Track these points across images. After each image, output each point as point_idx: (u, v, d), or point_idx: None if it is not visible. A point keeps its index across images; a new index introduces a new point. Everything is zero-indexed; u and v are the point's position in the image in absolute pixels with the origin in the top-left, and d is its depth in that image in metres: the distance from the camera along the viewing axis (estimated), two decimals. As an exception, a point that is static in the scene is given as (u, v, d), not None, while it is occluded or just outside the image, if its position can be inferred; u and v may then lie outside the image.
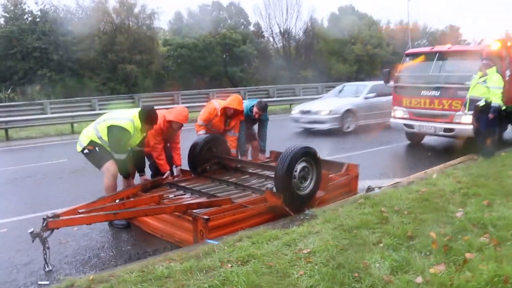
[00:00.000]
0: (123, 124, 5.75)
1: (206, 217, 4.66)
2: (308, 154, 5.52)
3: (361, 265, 3.67)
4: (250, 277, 3.48)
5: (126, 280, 3.61)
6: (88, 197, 5.77)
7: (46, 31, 30.75)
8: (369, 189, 6.36)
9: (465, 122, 9.39)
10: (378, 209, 5.19)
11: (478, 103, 8.52)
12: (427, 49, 11.23)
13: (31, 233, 4.22)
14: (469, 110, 8.85)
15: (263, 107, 7.57)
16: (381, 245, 4.13)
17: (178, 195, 5.90)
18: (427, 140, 11.88)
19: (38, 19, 32.04)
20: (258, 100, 7.92)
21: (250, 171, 6.92)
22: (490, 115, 8.37)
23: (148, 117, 5.84)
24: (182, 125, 6.68)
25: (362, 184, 6.71)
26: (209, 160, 6.88)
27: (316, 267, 3.67)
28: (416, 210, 5.16)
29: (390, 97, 11.48)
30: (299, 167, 5.38)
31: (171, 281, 3.55)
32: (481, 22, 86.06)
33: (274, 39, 45.21)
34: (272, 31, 44.30)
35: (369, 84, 15.79)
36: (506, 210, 4.98)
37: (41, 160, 10.95)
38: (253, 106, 7.55)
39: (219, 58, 39.48)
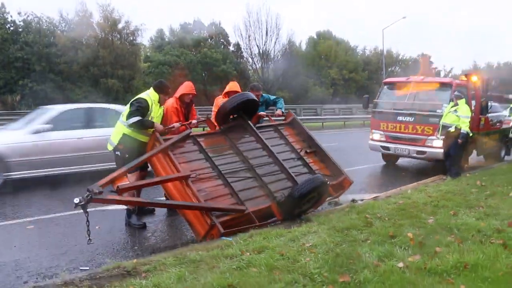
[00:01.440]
0: (140, 96, 6.42)
1: (222, 230, 5.36)
2: (322, 186, 6.21)
3: (354, 254, 4.58)
4: (268, 261, 4.36)
5: (165, 263, 4.42)
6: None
7: (29, 41, 31.07)
8: (354, 200, 7.30)
9: (436, 146, 10.56)
10: (363, 216, 6.14)
11: (449, 129, 9.67)
12: (403, 79, 12.42)
13: (77, 203, 4.74)
14: (441, 135, 10.00)
15: (253, 86, 8.06)
16: (369, 241, 5.06)
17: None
18: (401, 161, 13.03)
19: (20, 29, 32.32)
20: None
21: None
22: (459, 141, 9.55)
23: (161, 86, 6.55)
24: (192, 96, 7.04)
25: (345, 198, 7.61)
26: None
27: (319, 255, 4.56)
28: (395, 217, 6.13)
29: (96, 133, 9.29)
30: (310, 196, 6.10)
31: (203, 263, 4.39)
32: (451, 51, 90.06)
33: (253, 60, 46.41)
34: (251, 51, 45.48)
35: (57, 109, 9.80)
36: (468, 218, 6.03)
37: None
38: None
39: (199, 76, 40.32)
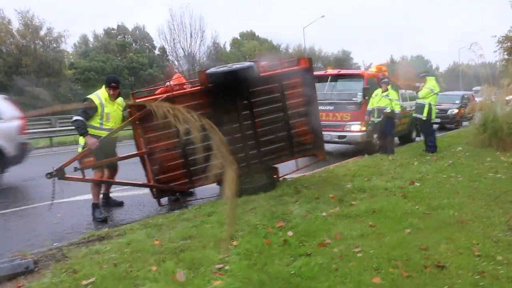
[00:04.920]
0: (89, 96, 6.57)
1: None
2: None
3: (287, 211, 5.63)
4: (218, 219, 5.31)
5: (133, 228, 5.26)
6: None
7: None
8: (284, 178, 8.33)
9: (354, 130, 11.88)
10: (293, 186, 7.20)
11: (384, 111, 10.94)
12: (321, 72, 13.69)
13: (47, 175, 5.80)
14: (377, 117, 11.19)
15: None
16: (298, 202, 6.12)
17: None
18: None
19: None
20: None
21: None
22: (396, 120, 10.93)
23: (106, 80, 6.72)
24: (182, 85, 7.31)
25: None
26: None
27: (259, 214, 5.54)
28: (319, 186, 7.25)
29: None
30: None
31: (165, 226, 5.26)
32: (371, 48, 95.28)
33: (179, 62, 46.77)
34: (177, 54, 45.83)
35: None
36: (378, 182, 7.29)
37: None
38: None
39: (126, 81, 40.31)
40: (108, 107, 6.60)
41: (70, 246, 4.83)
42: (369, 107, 11.32)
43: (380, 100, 11.06)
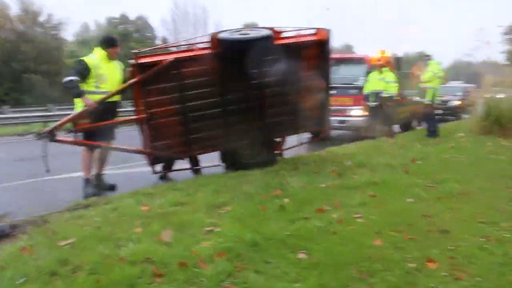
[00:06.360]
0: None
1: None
2: None
3: (284, 182, 5.39)
4: (212, 188, 5.11)
5: (122, 197, 5.05)
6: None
7: None
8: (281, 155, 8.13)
9: (354, 115, 11.64)
10: (291, 163, 6.97)
11: (381, 94, 10.69)
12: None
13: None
14: (374, 101, 10.95)
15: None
16: (296, 176, 5.88)
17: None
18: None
19: None
20: None
21: None
22: (388, 103, 10.69)
23: (105, 40, 6.24)
24: None
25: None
26: None
27: (255, 184, 5.32)
28: (318, 163, 7.02)
29: None
30: None
31: (155, 195, 5.04)
32: (374, 43, 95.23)
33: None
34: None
35: None
36: (379, 159, 7.04)
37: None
38: None
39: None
40: (104, 68, 6.10)
41: (52, 213, 4.60)
42: (365, 91, 11.09)
43: (376, 83, 10.82)
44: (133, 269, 2.93)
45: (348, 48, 60.83)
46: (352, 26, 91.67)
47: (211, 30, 47.64)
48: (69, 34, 40.70)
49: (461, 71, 42.13)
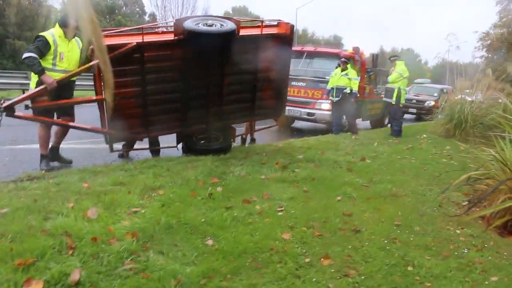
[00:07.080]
0: (41, 33, 6.04)
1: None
2: None
3: (228, 170, 5.59)
4: (155, 171, 5.28)
5: (70, 173, 5.20)
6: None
7: None
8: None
9: (323, 108, 11.85)
10: (245, 152, 7.16)
11: (344, 91, 10.87)
12: (298, 48, 13.57)
13: None
14: (336, 97, 11.13)
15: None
16: (242, 165, 6.06)
17: None
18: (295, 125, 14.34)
19: None
20: None
21: None
22: (352, 99, 10.88)
23: (61, 19, 6.15)
24: None
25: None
26: None
27: (199, 170, 5.50)
28: (271, 154, 7.20)
29: None
30: None
31: (102, 173, 5.21)
32: (364, 36, 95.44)
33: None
34: (166, 22, 45.03)
35: None
36: (330, 155, 7.27)
37: None
38: None
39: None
40: (62, 46, 6.10)
41: (-2, 183, 4.73)
42: (328, 86, 11.27)
43: (340, 79, 11.01)
44: (50, 240, 3.09)
45: (337, 40, 61.11)
46: (344, 17, 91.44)
47: (199, 13, 47.62)
48: (57, 1, 39.97)
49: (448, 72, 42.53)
